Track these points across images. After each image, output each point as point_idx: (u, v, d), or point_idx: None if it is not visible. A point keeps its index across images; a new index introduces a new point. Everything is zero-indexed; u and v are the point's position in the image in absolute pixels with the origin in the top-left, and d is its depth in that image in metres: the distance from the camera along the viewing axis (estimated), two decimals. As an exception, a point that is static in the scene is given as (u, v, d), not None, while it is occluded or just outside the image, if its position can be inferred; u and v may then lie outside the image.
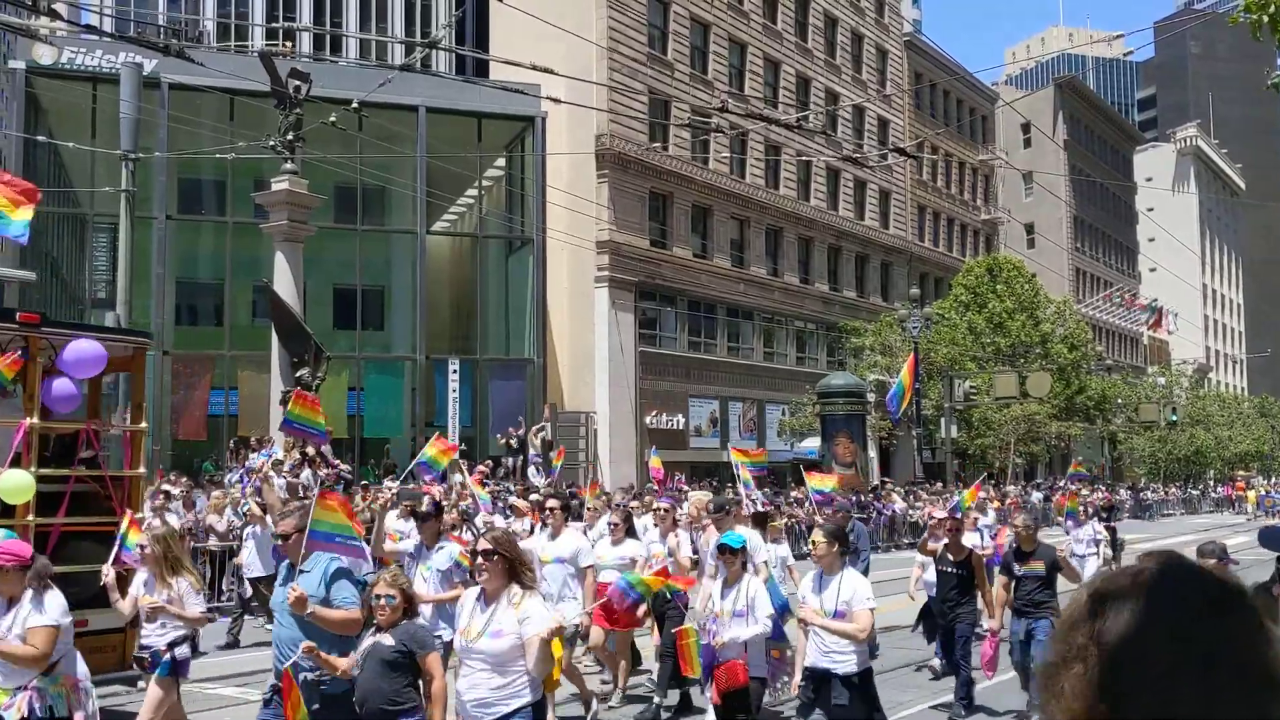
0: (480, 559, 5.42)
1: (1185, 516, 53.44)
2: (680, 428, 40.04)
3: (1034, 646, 9.21)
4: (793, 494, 31.52)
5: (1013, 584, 9.75)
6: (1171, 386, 70.29)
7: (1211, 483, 69.20)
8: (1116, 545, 24.53)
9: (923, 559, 12.97)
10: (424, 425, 32.44)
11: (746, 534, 11.69)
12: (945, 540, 10.38)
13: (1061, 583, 9.88)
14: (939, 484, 39.28)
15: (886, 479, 40.37)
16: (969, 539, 13.75)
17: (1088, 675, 1.11)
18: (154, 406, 28.55)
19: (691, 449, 40.16)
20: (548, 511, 9.76)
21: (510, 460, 29.38)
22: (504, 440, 30.05)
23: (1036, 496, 44.52)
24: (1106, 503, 28.02)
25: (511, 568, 5.41)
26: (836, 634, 7.02)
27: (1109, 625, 1.13)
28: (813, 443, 39.96)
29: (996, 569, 13.42)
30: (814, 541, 7.32)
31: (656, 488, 27.74)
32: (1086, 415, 54.38)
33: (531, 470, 27.98)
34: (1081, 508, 16.29)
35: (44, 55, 29.04)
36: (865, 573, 13.49)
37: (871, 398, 39.58)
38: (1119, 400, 58.45)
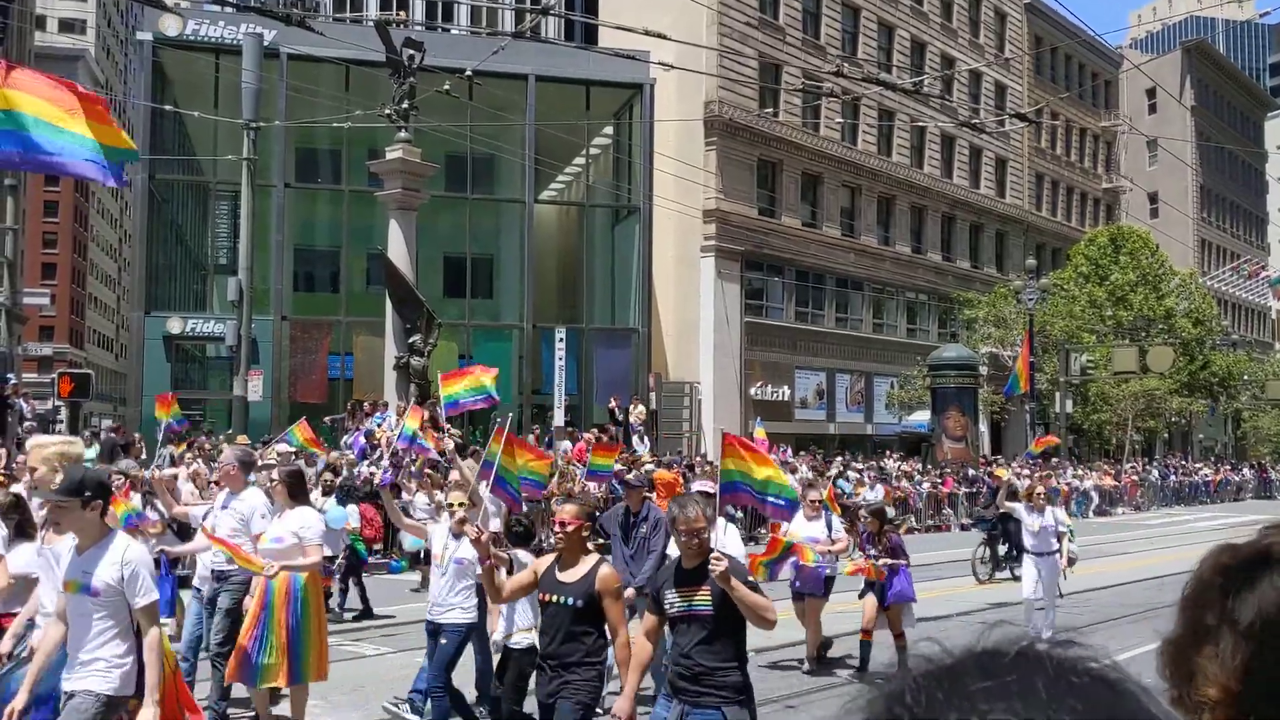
0: None
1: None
2: (785, 399, 39.70)
3: None
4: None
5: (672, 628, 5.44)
6: (1302, 363, 67.19)
7: (1342, 464, 66.05)
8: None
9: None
10: (531, 393, 32.80)
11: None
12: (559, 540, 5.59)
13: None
14: (1053, 459, 38.26)
15: (998, 455, 39.45)
16: (808, 529, 10.52)
17: (1222, 657, 1.03)
18: (273, 370, 29.49)
19: (797, 420, 39.83)
20: None
21: (614, 429, 29.50)
22: (610, 408, 30.23)
23: (1154, 475, 43.18)
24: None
25: None
26: None
27: (1243, 603, 1.04)
28: (922, 416, 39.34)
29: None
30: None
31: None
32: (1210, 392, 52.37)
33: (635, 439, 28.10)
34: (1039, 492, 12.69)
35: (170, 27, 29.90)
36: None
37: (984, 370, 38.74)
38: (1244, 377, 56.10)
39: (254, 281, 23.86)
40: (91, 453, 19.15)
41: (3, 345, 27.32)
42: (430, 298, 25.56)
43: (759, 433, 29.33)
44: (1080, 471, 37.98)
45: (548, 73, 32.73)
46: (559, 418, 29.70)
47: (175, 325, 30.40)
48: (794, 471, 25.45)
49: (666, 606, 5.22)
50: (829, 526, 10.50)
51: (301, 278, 34.79)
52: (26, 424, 21.23)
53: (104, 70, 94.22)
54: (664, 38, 16.40)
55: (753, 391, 38.12)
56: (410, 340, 23.24)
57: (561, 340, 31.69)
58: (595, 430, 27.31)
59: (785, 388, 39.81)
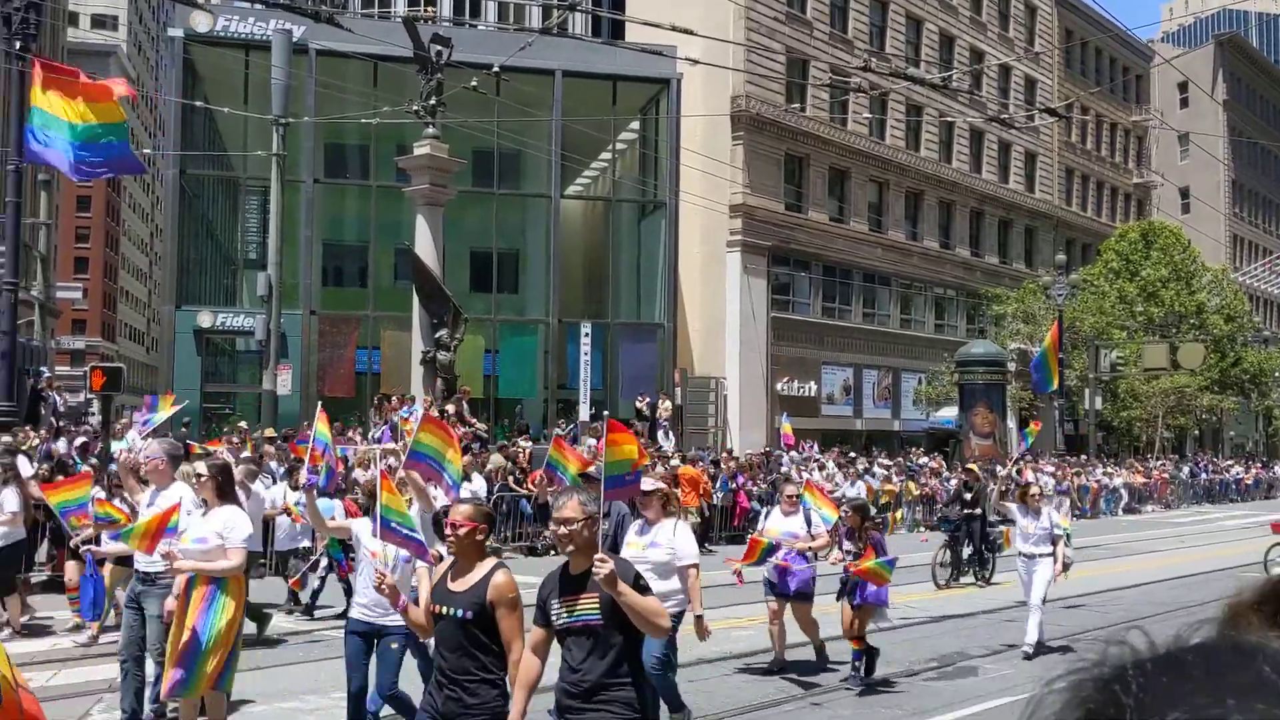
0: None
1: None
2: (812, 395, 39.61)
3: None
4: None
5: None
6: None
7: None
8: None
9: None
10: (556, 387, 32.88)
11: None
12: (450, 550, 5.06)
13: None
14: (1082, 456, 38.01)
15: (1028, 454, 39.20)
16: (787, 524, 10.04)
17: (1269, 613, 1.04)
18: (301, 364, 29.68)
19: (823, 416, 39.73)
20: None
21: (639, 424, 29.50)
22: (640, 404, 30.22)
23: (1184, 473, 42.79)
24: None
25: None
26: None
27: None
28: (949, 412, 39.13)
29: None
30: None
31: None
32: (1241, 389, 51.85)
33: (660, 434, 28.12)
34: (1037, 490, 11.89)
35: (201, 23, 30.14)
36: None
37: (1012, 367, 38.49)
38: (1276, 374, 55.47)
39: (283, 276, 24.03)
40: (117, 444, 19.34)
41: (36, 339, 27.66)
42: (457, 292, 25.62)
43: (785, 428, 29.41)
44: (1110, 469, 37.70)
45: (574, 68, 32.75)
46: (584, 413, 29.75)
47: (205, 319, 30.66)
48: (821, 468, 25.43)
49: (553, 618, 4.65)
50: (808, 522, 9.88)
51: (330, 272, 34.99)
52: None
53: (135, 66, 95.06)
54: (691, 33, 16.38)
55: (779, 387, 38.06)
56: (437, 335, 23.33)
57: (587, 335, 31.71)
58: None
59: (812, 383, 39.71)
